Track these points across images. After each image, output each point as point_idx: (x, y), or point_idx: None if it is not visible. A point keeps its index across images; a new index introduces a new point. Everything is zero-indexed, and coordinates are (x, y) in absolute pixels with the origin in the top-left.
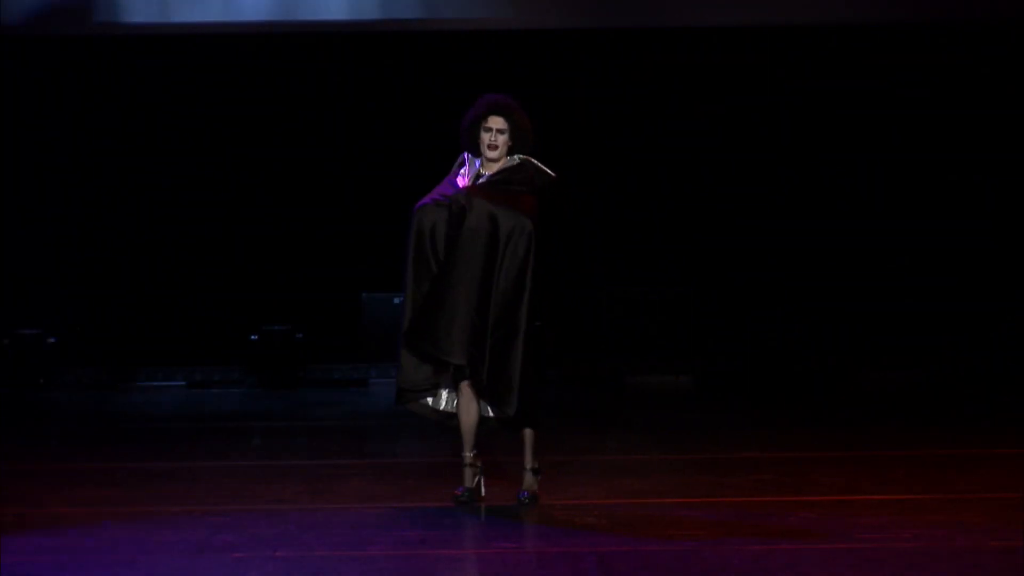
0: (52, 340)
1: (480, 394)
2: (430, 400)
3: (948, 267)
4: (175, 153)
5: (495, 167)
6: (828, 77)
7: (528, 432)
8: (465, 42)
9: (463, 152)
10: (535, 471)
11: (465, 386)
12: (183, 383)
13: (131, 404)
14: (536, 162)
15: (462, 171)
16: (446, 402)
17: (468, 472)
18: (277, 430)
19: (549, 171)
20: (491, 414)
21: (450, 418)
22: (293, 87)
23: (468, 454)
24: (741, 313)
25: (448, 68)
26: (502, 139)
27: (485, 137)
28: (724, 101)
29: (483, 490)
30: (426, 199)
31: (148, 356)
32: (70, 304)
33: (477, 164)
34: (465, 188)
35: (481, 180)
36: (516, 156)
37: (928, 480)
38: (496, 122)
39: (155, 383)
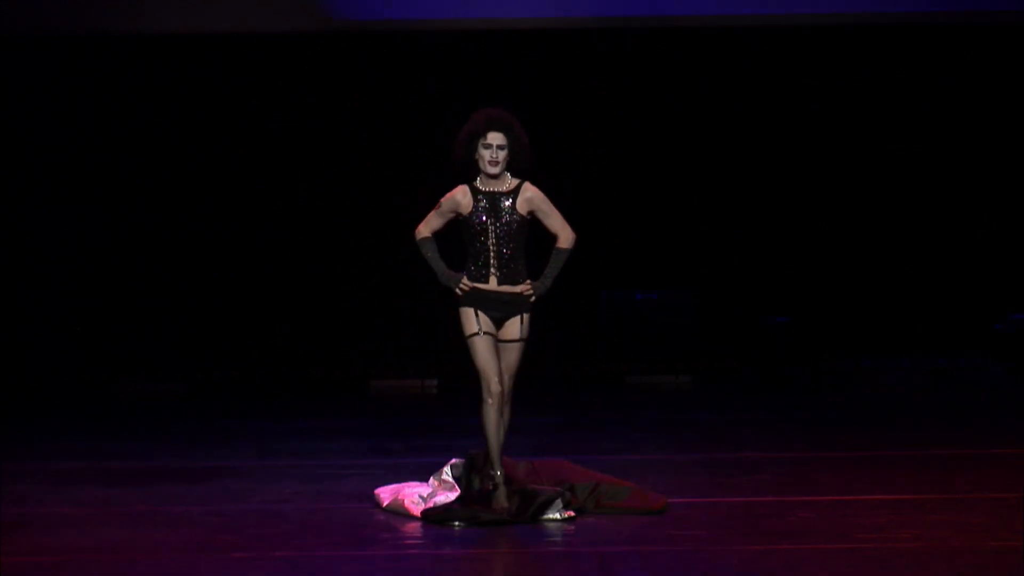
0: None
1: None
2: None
3: (947, 266)
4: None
5: (492, 184)
6: (828, 77)
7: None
8: (462, 43)
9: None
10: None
11: (495, 401)
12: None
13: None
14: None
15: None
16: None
17: (501, 491)
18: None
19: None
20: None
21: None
22: (307, 87)
23: (499, 473)
24: (741, 313)
25: (448, 69)
26: (502, 155)
27: (485, 154)
28: (722, 101)
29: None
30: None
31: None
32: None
33: (475, 182)
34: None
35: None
36: (514, 179)
37: (928, 480)
38: (496, 138)
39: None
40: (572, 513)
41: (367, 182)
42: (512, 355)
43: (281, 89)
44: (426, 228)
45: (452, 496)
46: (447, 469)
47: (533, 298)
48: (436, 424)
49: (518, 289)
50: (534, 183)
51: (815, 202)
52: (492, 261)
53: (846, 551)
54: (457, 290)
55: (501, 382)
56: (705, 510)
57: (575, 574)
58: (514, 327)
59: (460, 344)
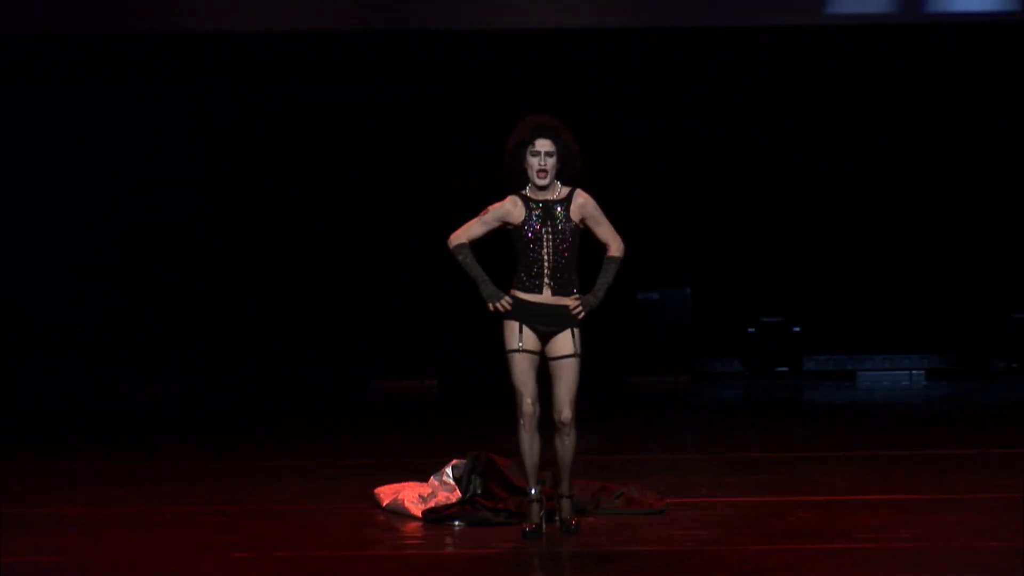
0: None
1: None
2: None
3: (947, 265)
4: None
5: (543, 194)
6: (821, 72)
7: (567, 459)
8: (463, 43)
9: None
10: (571, 498)
11: (527, 423)
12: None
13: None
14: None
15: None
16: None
17: (535, 508)
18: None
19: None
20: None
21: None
22: (301, 87)
23: (533, 491)
24: (741, 313)
25: (448, 69)
26: (551, 162)
27: (534, 161)
28: (720, 100)
29: (544, 525)
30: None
31: None
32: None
33: (525, 191)
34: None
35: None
36: (564, 187)
37: (928, 480)
38: (544, 145)
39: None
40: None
41: (370, 184)
42: (567, 372)
43: (283, 89)
44: (464, 235)
45: (452, 497)
46: (448, 470)
47: (582, 315)
48: (436, 424)
49: (567, 302)
50: (597, 194)
51: (813, 201)
52: (547, 271)
53: (846, 551)
54: (499, 306)
55: (535, 403)
56: (705, 510)
57: (575, 574)
58: (565, 342)
59: (460, 345)
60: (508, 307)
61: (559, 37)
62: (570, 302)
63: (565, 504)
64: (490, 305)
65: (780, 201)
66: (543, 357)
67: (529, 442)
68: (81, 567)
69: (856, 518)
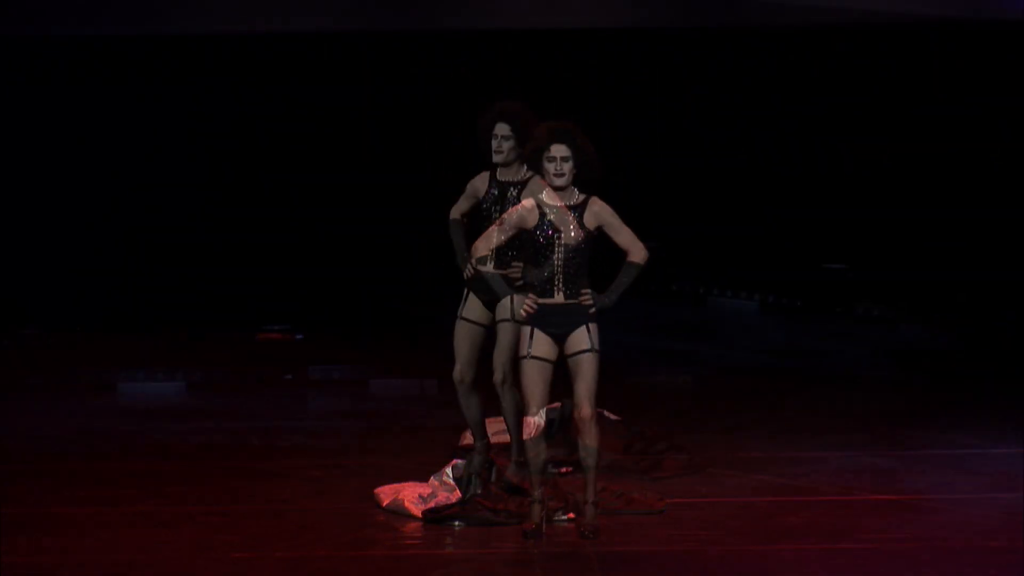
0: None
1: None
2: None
3: (947, 266)
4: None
5: (558, 199)
6: (821, 72)
7: (591, 465)
8: (463, 43)
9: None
10: (596, 504)
11: (532, 430)
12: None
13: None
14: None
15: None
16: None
17: (536, 508)
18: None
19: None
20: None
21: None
22: (298, 84)
23: (537, 491)
24: (743, 312)
25: (450, 69)
26: (567, 167)
27: (550, 167)
28: (720, 100)
29: (544, 525)
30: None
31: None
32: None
33: (542, 196)
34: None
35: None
36: (581, 193)
37: (928, 480)
38: (559, 150)
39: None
40: (573, 515)
41: (370, 184)
42: (584, 367)
43: (283, 89)
44: (485, 246)
45: (452, 497)
46: (448, 470)
47: (593, 308)
48: (436, 424)
49: (579, 299)
50: (602, 195)
51: (813, 201)
52: (558, 277)
53: (846, 551)
54: (522, 312)
55: (541, 410)
56: (705, 510)
57: (575, 574)
58: (580, 338)
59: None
60: (534, 308)
61: (559, 37)
62: (581, 298)
63: (589, 511)
64: (522, 312)
65: (780, 201)
66: (562, 357)
67: (534, 447)
68: (81, 567)
69: (856, 518)
